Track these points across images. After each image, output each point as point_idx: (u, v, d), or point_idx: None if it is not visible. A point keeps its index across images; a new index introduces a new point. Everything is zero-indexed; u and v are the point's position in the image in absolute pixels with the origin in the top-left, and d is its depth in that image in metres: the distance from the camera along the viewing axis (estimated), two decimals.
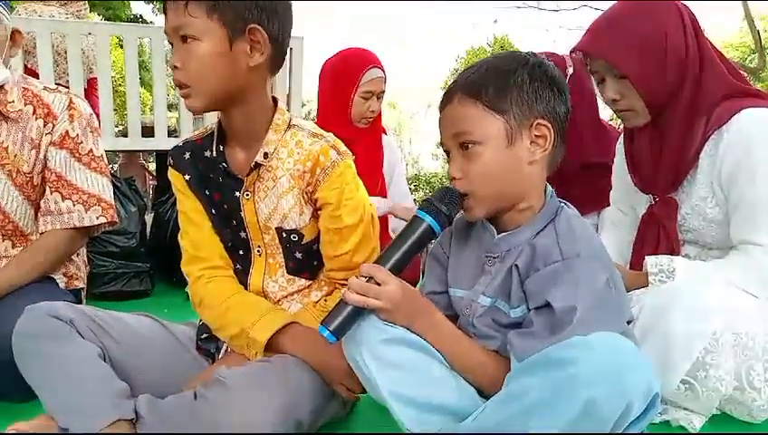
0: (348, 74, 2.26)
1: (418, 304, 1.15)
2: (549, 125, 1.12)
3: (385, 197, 2.44)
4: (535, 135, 1.12)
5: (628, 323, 1.14)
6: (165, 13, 1.25)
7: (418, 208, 1.15)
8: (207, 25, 1.21)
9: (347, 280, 1.37)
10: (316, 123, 2.30)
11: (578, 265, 1.05)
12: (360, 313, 1.10)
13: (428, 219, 1.13)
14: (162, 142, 3.21)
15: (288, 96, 3.43)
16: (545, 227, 1.13)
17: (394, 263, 1.12)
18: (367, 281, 1.10)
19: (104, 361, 1.28)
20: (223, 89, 1.26)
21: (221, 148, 1.37)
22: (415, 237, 1.13)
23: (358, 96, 2.26)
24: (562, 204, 1.17)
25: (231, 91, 1.27)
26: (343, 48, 2.37)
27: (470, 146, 1.12)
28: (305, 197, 1.36)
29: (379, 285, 1.09)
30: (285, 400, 1.17)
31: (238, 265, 1.47)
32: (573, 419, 0.88)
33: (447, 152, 1.17)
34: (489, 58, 1.19)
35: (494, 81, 1.11)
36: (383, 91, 2.33)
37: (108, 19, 11.10)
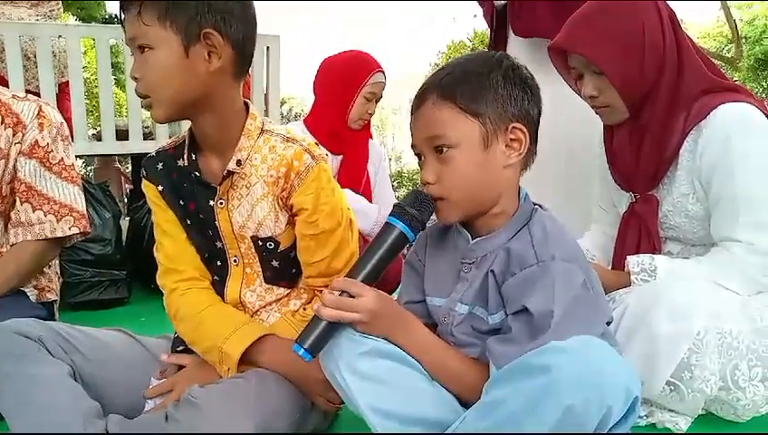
0: (357, 75, 2.29)
1: (395, 313, 1.12)
2: (524, 128, 1.10)
3: (370, 193, 2.46)
4: (510, 139, 1.10)
5: (608, 323, 1.13)
6: (122, 24, 1.22)
7: (390, 215, 1.11)
8: (161, 33, 1.18)
9: (326, 287, 1.35)
10: (306, 120, 2.35)
11: (553, 267, 1.03)
12: (334, 328, 1.07)
13: (400, 225, 1.09)
14: (137, 145, 3.16)
15: (266, 95, 3.40)
16: (519, 230, 1.12)
17: (367, 273, 1.08)
18: (340, 295, 1.06)
19: (74, 379, 1.24)
20: (183, 97, 1.23)
21: (193, 156, 1.34)
22: (387, 245, 1.09)
23: (361, 97, 2.30)
24: (536, 206, 1.16)
25: (192, 99, 1.24)
26: (346, 50, 2.42)
27: (445, 150, 1.09)
28: (280, 203, 1.33)
29: (353, 298, 1.06)
30: (260, 418, 1.15)
31: (216, 277, 1.44)
32: (553, 426, 0.87)
33: (419, 155, 1.15)
34: (461, 59, 1.17)
35: (469, 83, 1.09)
36: (381, 97, 2.39)
37: (82, 20, 10.96)
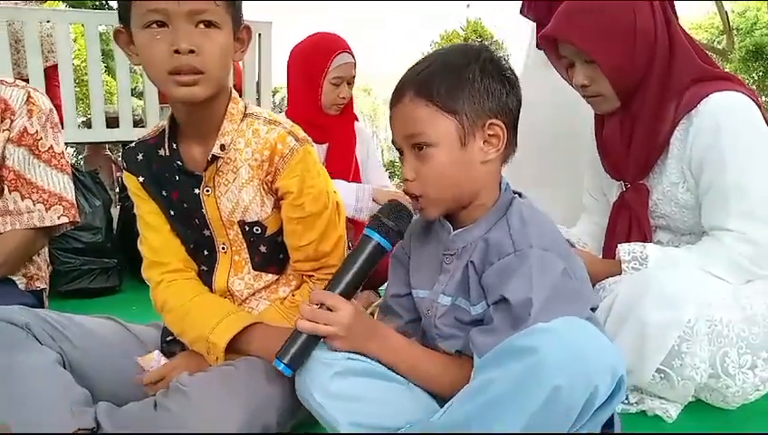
0: (317, 60, 2.21)
1: (369, 326, 1.13)
2: (501, 124, 1.10)
3: (359, 181, 2.40)
4: (488, 135, 1.10)
5: (594, 310, 1.13)
6: None
7: (367, 226, 1.13)
8: (225, 16, 1.20)
9: (314, 271, 1.34)
10: (287, 111, 2.30)
11: (530, 256, 1.04)
12: (314, 341, 1.08)
13: (376, 237, 1.11)
14: (127, 133, 3.14)
15: (257, 83, 3.38)
16: (498, 220, 1.12)
17: (345, 286, 1.10)
18: (319, 307, 1.08)
19: (63, 367, 1.24)
20: (223, 77, 1.25)
21: (174, 145, 1.33)
22: (364, 257, 1.11)
23: (328, 82, 2.21)
24: (515, 195, 1.15)
25: (224, 80, 1.27)
26: (312, 33, 2.33)
27: (423, 147, 1.09)
28: (265, 187, 1.32)
29: (330, 311, 1.07)
30: (250, 406, 1.14)
31: (203, 266, 1.43)
32: (540, 407, 0.86)
33: (400, 150, 1.15)
34: (439, 52, 1.16)
35: (446, 79, 1.08)
36: (354, 77, 2.29)
37: (72, 6, 10.84)
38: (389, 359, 1.12)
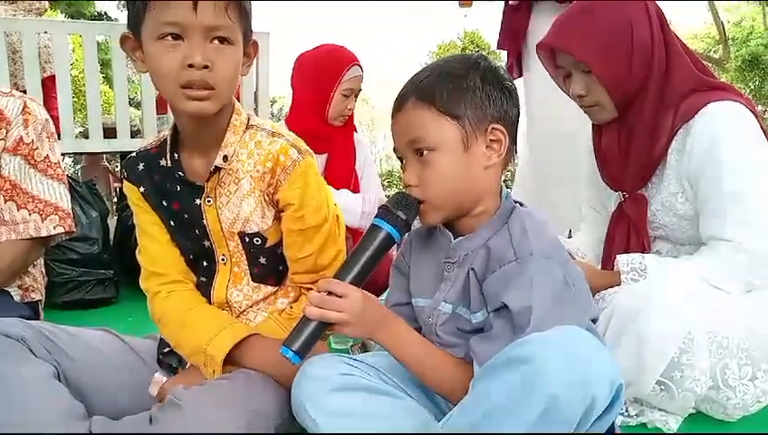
0: (331, 71, 2.22)
1: (379, 313, 1.12)
2: (503, 129, 1.11)
3: (358, 191, 2.40)
4: (490, 139, 1.11)
5: (594, 321, 1.13)
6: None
7: (375, 216, 1.12)
8: (237, 32, 1.20)
9: (312, 283, 1.34)
10: (287, 120, 2.31)
11: (531, 264, 1.04)
12: (322, 329, 1.07)
13: (386, 227, 1.10)
14: (125, 143, 3.13)
15: (255, 93, 3.37)
16: (500, 228, 1.12)
17: (354, 275, 1.09)
18: (327, 295, 1.07)
19: (58, 380, 1.22)
20: (231, 93, 1.25)
21: (176, 155, 1.32)
22: (374, 247, 1.10)
23: (339, 93, 2.23)
24: (516, 204, 1.16)
25: (232, 94, 1.26)
26: (321, 44, 2.34)
27: (425, 152, 1.10)
28: (267, 198, 1.32)
29: (340, 298, 1.06)
30: (246, 419, 1.13)
31: (202, 278, 1.42)
32: (537, 417, 0.86)
33: (401, 159, 1.15)
34: (440, 61, 1.18)
35: (448, 85, 1.10)
36: (360, 90, 2.32)
37: (71, 16, 10.89)
38: (399, 349, 1.11)
